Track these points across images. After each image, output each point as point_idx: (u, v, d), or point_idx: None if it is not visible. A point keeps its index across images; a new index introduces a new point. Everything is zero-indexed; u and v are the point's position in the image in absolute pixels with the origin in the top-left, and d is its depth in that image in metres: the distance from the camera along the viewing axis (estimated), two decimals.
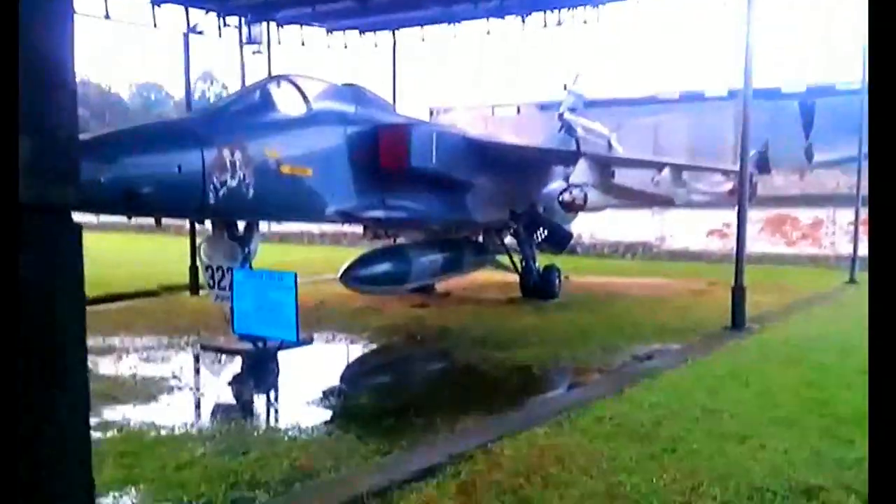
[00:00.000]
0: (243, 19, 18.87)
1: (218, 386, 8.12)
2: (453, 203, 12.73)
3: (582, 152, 13.35)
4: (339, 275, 11.73)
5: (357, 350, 10.10)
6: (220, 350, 9.31)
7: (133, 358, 9.12)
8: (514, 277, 15.15)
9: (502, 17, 18.67)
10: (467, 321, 12.07)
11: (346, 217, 10.52)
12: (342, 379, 8.29)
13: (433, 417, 6.60)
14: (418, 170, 11.10)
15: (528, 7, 17.94)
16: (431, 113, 33.14)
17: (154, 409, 6.93)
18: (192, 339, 10.27)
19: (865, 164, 18.45)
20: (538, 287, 14.71)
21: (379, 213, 11.01)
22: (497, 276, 16.03)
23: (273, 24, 18.55)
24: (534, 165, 14.25)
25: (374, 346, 10.27)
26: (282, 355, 9.27)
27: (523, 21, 18.63)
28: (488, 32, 20.15)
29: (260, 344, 7.29)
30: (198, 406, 7.04)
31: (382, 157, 10.76)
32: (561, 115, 14.15)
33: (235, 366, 8.88)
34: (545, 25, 18.58)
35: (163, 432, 6.14)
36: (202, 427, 6.31)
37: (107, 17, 15.27)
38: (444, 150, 11.61)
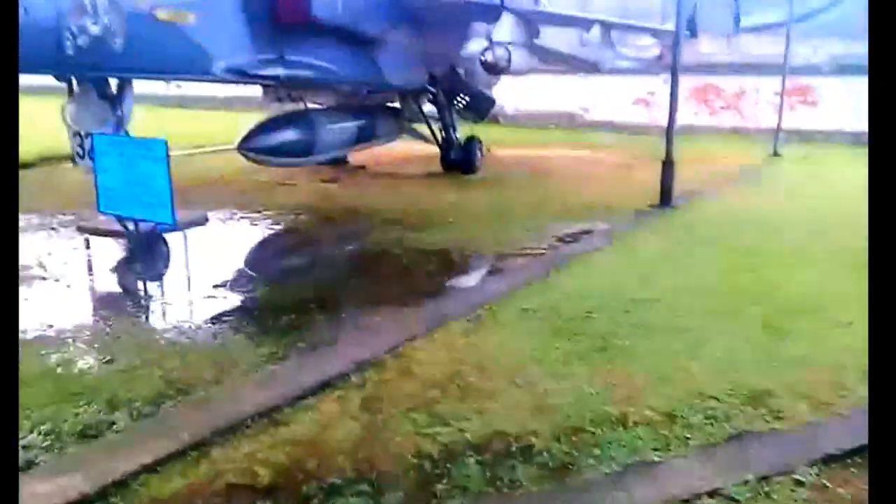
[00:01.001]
0: None
1: (89, 277, 7.01)
2: (364, 61, 11.46)
3: (505, 6, 12.08)
4: (235, 144, 10.46)
5: (256, 232, 9.07)
6: (97, 232, 8.15)
7: None
8: (435, 150, 14.18)
9: None
10: (380, 198, 11.15)
11: (238, 75, 9.16)
12: (234, 267, 7.30)
13: (337, 312, 5.80)
14: (322, 20, 9.73)
15: None
16: None
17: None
18: (66, 219, 9.03)
19: (794, 30, 18.01)
20: (459, 160, 13.83)
21: (277, 71, 9.67)
22: (417, 148, 15.00)
23: None
24: (452, 20, 12.92)
25: (275, 228, 9.26)
26: (169, 239, 8.21)
27: None
28: None
29: (131, 227, 6.16)
30: (60, 302, 5.96)
31: (281, 6, 9.33)
32: None
33: (113, 252, 7.75)
34: None
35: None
36: (61, 329, 5.29)
37: None
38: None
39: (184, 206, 9.59)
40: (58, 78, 7.74)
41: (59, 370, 4.53)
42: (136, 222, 6.04)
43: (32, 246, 7.77)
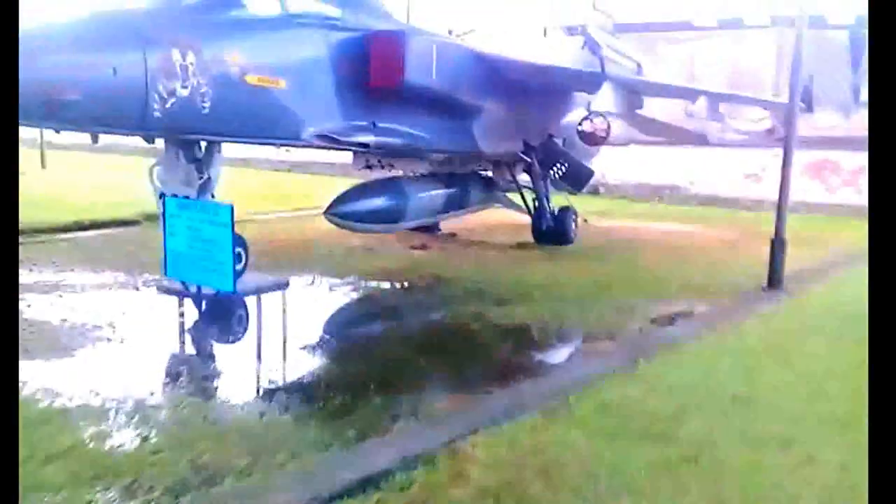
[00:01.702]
0: None
1: (156, 341, 6.84)
2: (457, 130, 11.21)
3: (606, 75, 11.65)
4: (325, 209, 10.34)
5: (333, 299, 8.80)
6: (178, 293, 8.08)
7: (73, 298, 7.92)
8: (528, 219, 13.73)
9: None
10: (467, 268, 10.72)
11: (328, 141, 9.04)
12: (303, 337, 7.00)
13: (397, 395, 5.32)
14: (416, 88, 9.54)
15: None
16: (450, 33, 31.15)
17: (63, 368, 5.73)
18: (151, 279, 9.07)
19: None
20: (552, 231, 13.29)
21: (368, 138, 9.50)
22: (512, 217, 14.57)
23: None
24: (551, 89, 12.59)
25: (353, 296, 8.97)
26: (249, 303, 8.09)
27: None
28: None
29: (193, 290, 5.96)
30: (117, 367, 5.79)
31: (373, 71, 9.21)
32: (584, 30, 12.36)
33: (190, 316, 7.61)
34: None
35: (57, 402, 4.93)
36: (108, 398, 5.05)
37: None
38: (448, 65, 10.04)
39: (272, 268, 9.63)
40: (145, 139, 7.80)
41: (89, 445, 4.25)
42: (199, 289, 5.85)
43: (109, 305, 7.76)
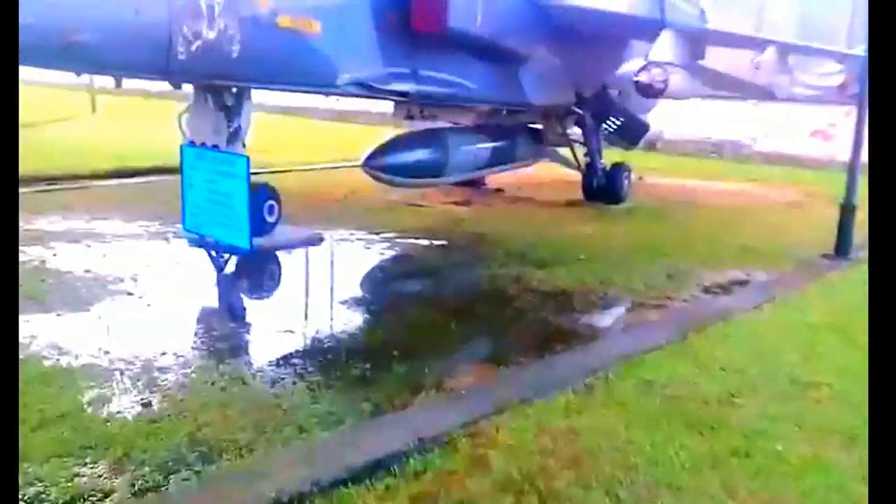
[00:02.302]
0: None
1: (173, 297, 6.51)
2: (504, 79, 10.60)
3: (667, 22, 10.83)
4: (362, 161, 9.93)
5: (366, 257, 8.43)
6: (207, 245, 7.83)
7: (101, 247, 7.73)
8: (579, 175, 13.10)
9: None
10: (510, 227, 10.23)
11: (366, 89, 8.57)
12: (327, 297, 6.66)
13: (422, 365, 4.93)
14: (460, 33, 8.95)
15: None
16: None
17: (77, 324, 5.49)
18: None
19: None
20: (603, 188, 12.65)
21: (408, 87, 8.99)
22: (563, 172, 13.92)
23: None
24: (606, 35, 11.80)
25: (388, 254, 8.58)
26: (282, 258, 7.83)
27: None
28: None
29: (212, 251, 5.60)
30: (133, 324, 5.52)
31: (414, 13, 8.65)
32: None
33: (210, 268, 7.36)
34: None
35: (63, 361, 4.69)
36: (116, 357, 4.79)
37: None
38: (495, 8, 9.41)
39: (307, 222, 9.33)
40: (171, 84, 7.45)
41: (87, 410, 3.98)
42: (217, 243, 5.52)
43: (136, 256, 7.54)
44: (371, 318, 6.18)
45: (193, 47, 6.42)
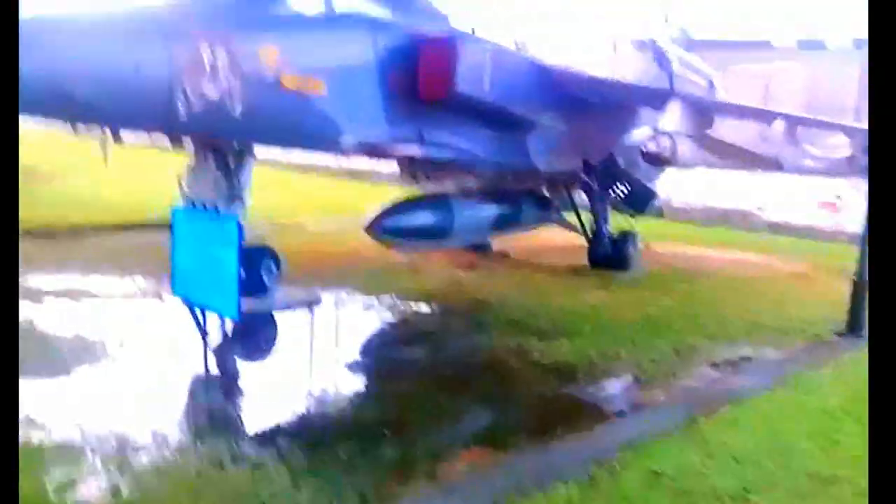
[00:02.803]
0: None
1: (156, 363, 6.21)
2: (510, 144, 10.45)
3: (674, 91, 10.79)
4: (366, 224, 9.75)
5: (364, 322, 8.20)
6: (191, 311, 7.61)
7: (90, 305, 7.52)
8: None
9: None
10: (513, 293, 10.00)
11: (370, 150, 8.45)
12: (320, 366, 6.39)
13: (413, 447, 4.64)
14: (467, 98, 8.85)
15: None
16: (516, 48, 30.43)
17: (55, 392, 5.23)
18: None
19: None
20: (609, 256, 12.44)
21: (413, 150, 8.85)
22: (570, 237, 13.73)
23: None
24: (614, 104, 11.77)
25: (386, 318, 8.35)
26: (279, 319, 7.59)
27: None
28: None
29: (199, 316, 5.35)
30: (114, 393, 5.25)
31: (421, 78, 8.57)
32: (653, 42, 11.51)
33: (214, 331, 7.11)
34: None
35: (35, 436, 4.41)
36: (91, 434, 4.51)
37: None
38: (503, 75, 9.29)
39: (308, 282, 9.12)
40: (171, 140, 7.32)
41: (50, 496, 3.70)
42: (203, 312, 5.28)
43: (124, 315, 7.31)
44: (364, 388, 5.93)
45: (194, 104, 6.27)
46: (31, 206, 13.21)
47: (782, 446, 5.05)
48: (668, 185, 20.02)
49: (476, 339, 7.60)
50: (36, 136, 14.27)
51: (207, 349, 5.30)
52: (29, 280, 8.32)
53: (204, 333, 5.24)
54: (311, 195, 19.88)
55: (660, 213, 21.10)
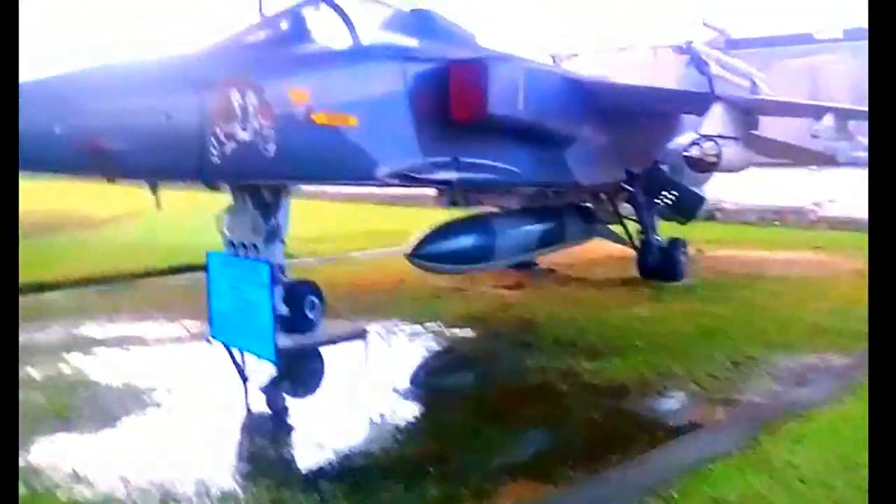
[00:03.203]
0: None
1: (204, 408, 6.19)
2: (549, 161, 10.29)
3: (714, 94, 10.50)
4: (407, 251, 9.70)
5: (408, 351, 8.12)
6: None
7: (140, 352, 7.60)
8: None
9: None
10: (561, 310, 9.79)
11: (406, 179, 8.37)
12: (364, 400, 6.33)
13: (459, 483, 4.49)
14: (501, 119, 8.73)
15: None
16: (553, 60, 30.24)
17: (99, 445, 5.25)
18: None
19: None
20: (659, 265, 12.13)
21: (450, 175, 8.73)
22: (619, 249, 13.45)
23: None
24: (653, 112, 11.52)
25: (431, 346, 8.25)
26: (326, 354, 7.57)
27: None
28: None
29: (239, 361, 5.32)
30: (156, 444, 5.26)
31: (453, 103, 8.50)
32: (689, 46, 11.23)
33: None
34: None
35: (77, 492, 4.41)
36: (134, 488, 4.50)
37: None
38: (537, 92, 9.16)
39: (353, 313, 9.11)
40: (207, 186, 7.38)
41: None
42: (242, 355, 5.26)
43: (174, 361, 7.36)
44: (408, 422, 5.81)
45: (227, 149, 6.27)
46: (85, 255, 13.68)
47: (854, 464, 4.74)
48: (720, 188, 19.45)
49: (524, 363, 7.41)
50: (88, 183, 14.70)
51: (248, 393, 5.26)
52: (82, 329, 8.50)
53: (244, 377, 5.20)
54: (358, 224, 19.99)
55: (711, 217, 20.69)
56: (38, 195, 22.85)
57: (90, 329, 8.57)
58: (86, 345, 7.82)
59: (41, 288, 10.65)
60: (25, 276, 11.03)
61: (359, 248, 15.61)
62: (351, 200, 27.78)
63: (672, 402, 6.38)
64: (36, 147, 5.19)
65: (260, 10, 13.14)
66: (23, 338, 8.09)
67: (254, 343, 5.07)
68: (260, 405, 6.36)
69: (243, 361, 5.20)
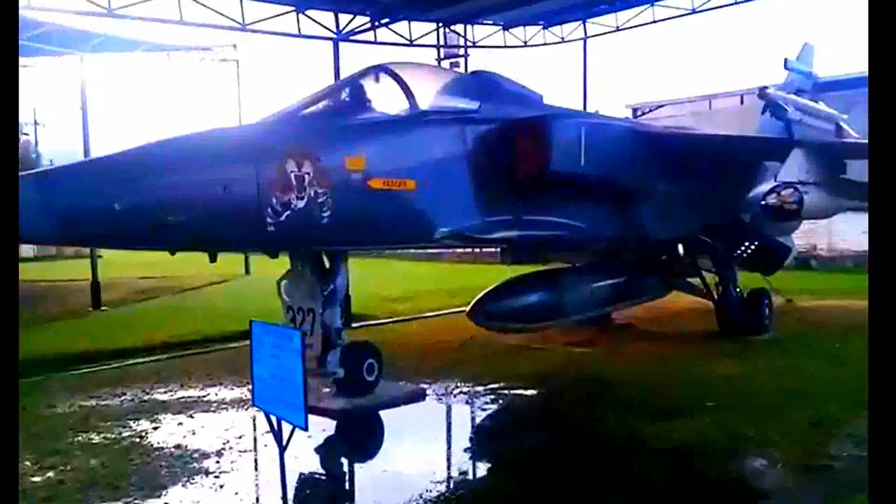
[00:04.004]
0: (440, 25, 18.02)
1: (252, 475, 6.29)
2: (619, 215, 10.08)
3: (796, 140, 10.08)
4: (468, 310, 9.65)
5: (465, 415, 8.01)
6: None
7: (201, 418, 7.76)
8: None
9: None
10: (634, 368, 9.44)
11: (463, 240, 8.38)
12: (418, 468, 6.21)
13: None
14: (564, 175, 8.65)
15: None
16: (635, 113, 29.93)
17: None
18: None
19: None
20: (741, 319, 11.56)
21: (511, 233, 8.65)
22: (697, 301, 12.93)
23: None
24: (729, 161, 11.15)
25: (490, 408, 8.08)
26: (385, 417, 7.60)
27: None
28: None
29: (274, 425, 5.32)
30: None
31: (515, 162, 8.47)
32: (763, 91, 10.86)
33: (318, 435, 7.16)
34: None
35: None
36: None
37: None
38: (601, 147, 9.03)
39: (416, 374, 9.09)
40: (265, 253, 7.57)
41: None
42: (279, 421, 5.27)
43: (232, 426, 7.47)
44: (467, 487, 5.68)
45: (283, 217, 6.43)
46: (173, 320, 14.26)
47: None
48: (815, 233, 18.58)
49: (587, 425, 7.15)
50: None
51: (283, 460, 5.26)
52: (153, 394, 8.80)
53: (280, 444, 5.21)
54: (438, 283, 20.09)
55: (806, 265, 19.69)
56: (130, 263, 24.15)
57: (159, 394, 8.86)
58: (151, 410, 8.07)
59: (123, 354, 11.18)
60: (108, 343, 11.72)
61: (437, 306, 15.63)
62: (434, 260, 28.13)
63: (741, 470, 5.97)
64: (97, 223, 5.49)
65: (336, 78, 13.65)
66: (95, 403, 8.48)
67: (287, 410, 5.09)
68: (314, 466, 6.40)
69: (280, 428, 5.22)
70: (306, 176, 6.62)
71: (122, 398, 8.63)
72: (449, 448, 7.10)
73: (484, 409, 8.01)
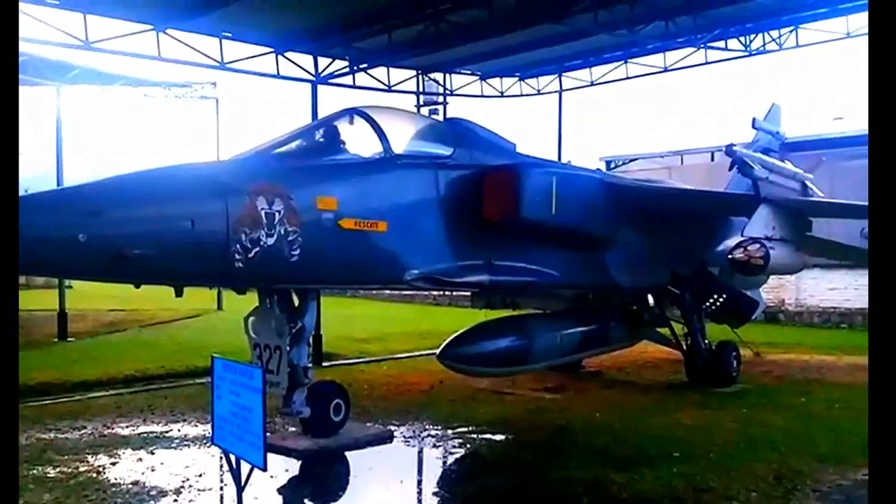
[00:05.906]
0: (420, 73, 18.32)
1: None
2: (588, 263, 10.23)
3: (762, 197, 10.35)
4: (438, 352, 9.65)
5: (431, 458, 7.94)
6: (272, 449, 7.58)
7: (162, 454, 7.63)
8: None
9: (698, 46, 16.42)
10: (599, 417, 9.44)
11: (434, 283, 8.43)
12: None
13: None
14: (534, 223, 8.81)
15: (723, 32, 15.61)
16: (608, 165, 30.48)
17: None
18: None
19: None
20: (708, 370, 11.65)
21: (481, 278, 8.76)
22: (667, 350, 13.02)
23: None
24: (696, 215, 11.38)
25: (456, 453, 8.02)
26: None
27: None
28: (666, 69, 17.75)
29: (233, 464, 5.22)
30: None
31: (485, 208, 8.60)
32: (730, 149, 11.14)
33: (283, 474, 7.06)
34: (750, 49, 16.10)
35: None
36: None
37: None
38: (571, 196, 9.22)
39: (383, 416, 9.03)
40: (232, 290, 7.55)
41: None
42: (237, 461, 5.18)
43: (193, 462, 7.35)
44: None
45: (252, 254, 6.43)
46: (141, 353, 14.07)
47: None
48: (782, 288, 18.83)
49: (549, 473, 7.11)
50: None
51: (241, 501, 5.15)
52: (114, 429, 8.64)
53: (238, 484, 5.12)
54: (410, 325, 20.02)
55: (774, 319, 19.97)
56: (101, 294, 23.71)
57: (121, 428, 8.70)
58: (111, 444, 7.92)
59: (86, 386, 10.98)
60: (71, 374, 11.50)
61: (408, 348, 15.59)
62: (409, 301, 28.05)
63: None
64: (61, 254, 5.45)
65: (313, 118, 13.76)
66: (54, 435, 8.30)
67: (246, 449, 5.01)
68: None
69: (238, 467, 5.13)
70: (277, 214, 6.66)
71: (82, 431, 8.47)
72: (419, 493, 7.03)
73: (451, 454, 7.95)
